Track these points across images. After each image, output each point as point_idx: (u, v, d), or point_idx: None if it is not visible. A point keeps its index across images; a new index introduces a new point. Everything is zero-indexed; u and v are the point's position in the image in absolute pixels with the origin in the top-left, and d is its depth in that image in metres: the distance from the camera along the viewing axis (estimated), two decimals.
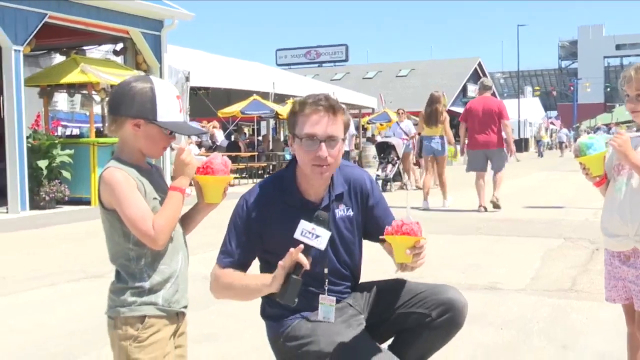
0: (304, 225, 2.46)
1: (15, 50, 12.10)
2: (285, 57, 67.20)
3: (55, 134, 14.61)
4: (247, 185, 15.99)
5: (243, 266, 2.73)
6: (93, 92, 13.51)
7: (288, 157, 20.16)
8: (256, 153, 21.86)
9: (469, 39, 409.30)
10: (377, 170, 16.55)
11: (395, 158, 16.35)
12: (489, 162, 11.39)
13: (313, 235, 2.45)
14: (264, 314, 2.87)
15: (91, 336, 4.43)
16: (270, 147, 23.03)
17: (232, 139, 23.10)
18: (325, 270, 2.76)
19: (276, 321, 2.80)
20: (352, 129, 15.26)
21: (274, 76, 24.37)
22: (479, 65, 56.78)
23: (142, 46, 15.30)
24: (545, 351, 4.11)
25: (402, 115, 17.08)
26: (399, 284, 2.89)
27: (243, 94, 21.99)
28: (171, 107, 2.41)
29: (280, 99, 22.54)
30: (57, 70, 14.00)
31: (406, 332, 2.82)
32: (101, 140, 13.23)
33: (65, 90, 14.75)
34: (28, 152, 12.34)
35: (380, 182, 15.70)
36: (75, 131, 19.39)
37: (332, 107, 2.64)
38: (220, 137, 23.35)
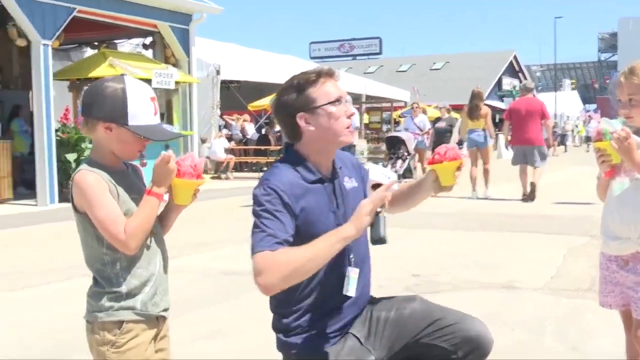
0: (376, 168, 2.59)
1: (43, 45, 12.23)
2: (319, 50, 66.99)
3: None
4: None
5: (290, 245, 2.49)
6: None
7: None
8: None
9: (505, 32, 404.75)
10: (387, 166, 15.36)
11: (406, 153, 15.49)
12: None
13: (385, 176, 2.53)
14: (275, 327, 2.74)
15: None
16: None
17: (263, 132, 23.13)
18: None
19: (287, 336, 2.69)
20: (355, 121, 14.56)
21: (307, 69, 24.24)
22: (515, 58, 56.00)
23: (171, 40, 15.36)
24: (555, 352, 4.03)
25: (416, 110, 16.65)
26: (422, 309, 2.74)
27: (275, 88, 21.74)
28: (144, 110, 2.32)
29: None
30: (86, 64, 14.13)
31: None
32: None
33: None
34: (57, 145, 12.48)
35: None
36: None
37: (334, 73, 2.75)
38: (250, 130, 23.40)
